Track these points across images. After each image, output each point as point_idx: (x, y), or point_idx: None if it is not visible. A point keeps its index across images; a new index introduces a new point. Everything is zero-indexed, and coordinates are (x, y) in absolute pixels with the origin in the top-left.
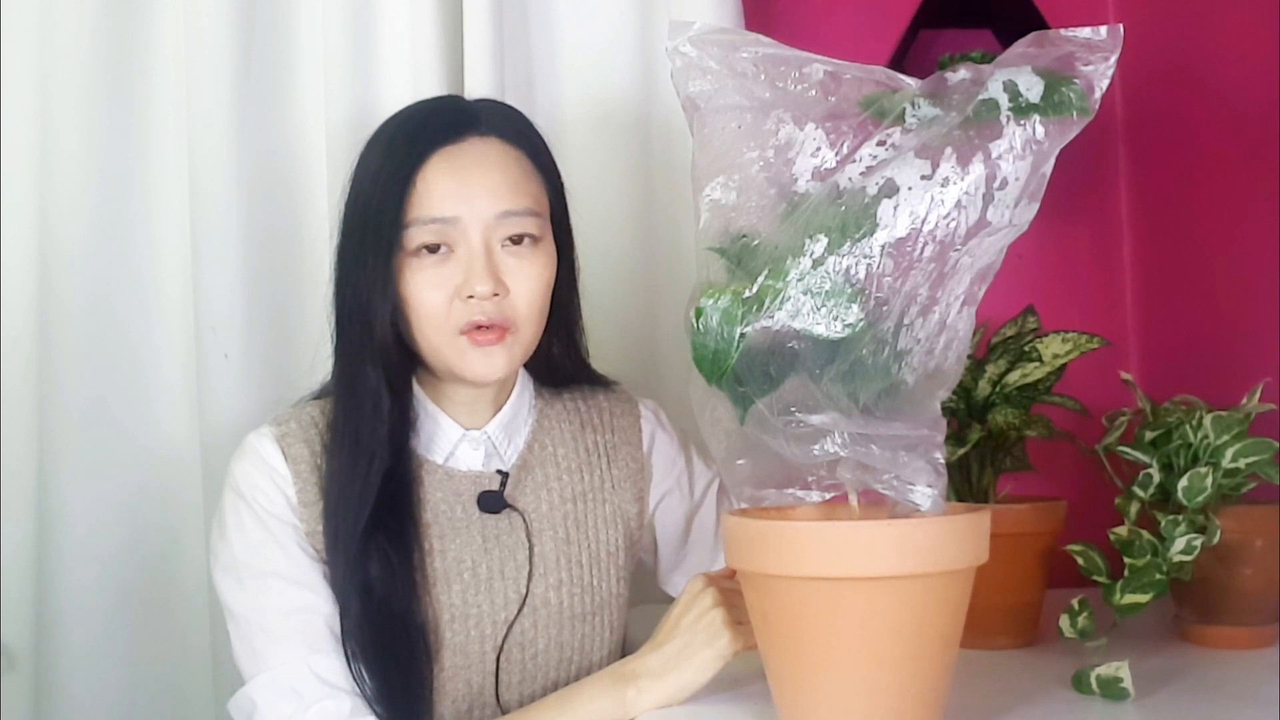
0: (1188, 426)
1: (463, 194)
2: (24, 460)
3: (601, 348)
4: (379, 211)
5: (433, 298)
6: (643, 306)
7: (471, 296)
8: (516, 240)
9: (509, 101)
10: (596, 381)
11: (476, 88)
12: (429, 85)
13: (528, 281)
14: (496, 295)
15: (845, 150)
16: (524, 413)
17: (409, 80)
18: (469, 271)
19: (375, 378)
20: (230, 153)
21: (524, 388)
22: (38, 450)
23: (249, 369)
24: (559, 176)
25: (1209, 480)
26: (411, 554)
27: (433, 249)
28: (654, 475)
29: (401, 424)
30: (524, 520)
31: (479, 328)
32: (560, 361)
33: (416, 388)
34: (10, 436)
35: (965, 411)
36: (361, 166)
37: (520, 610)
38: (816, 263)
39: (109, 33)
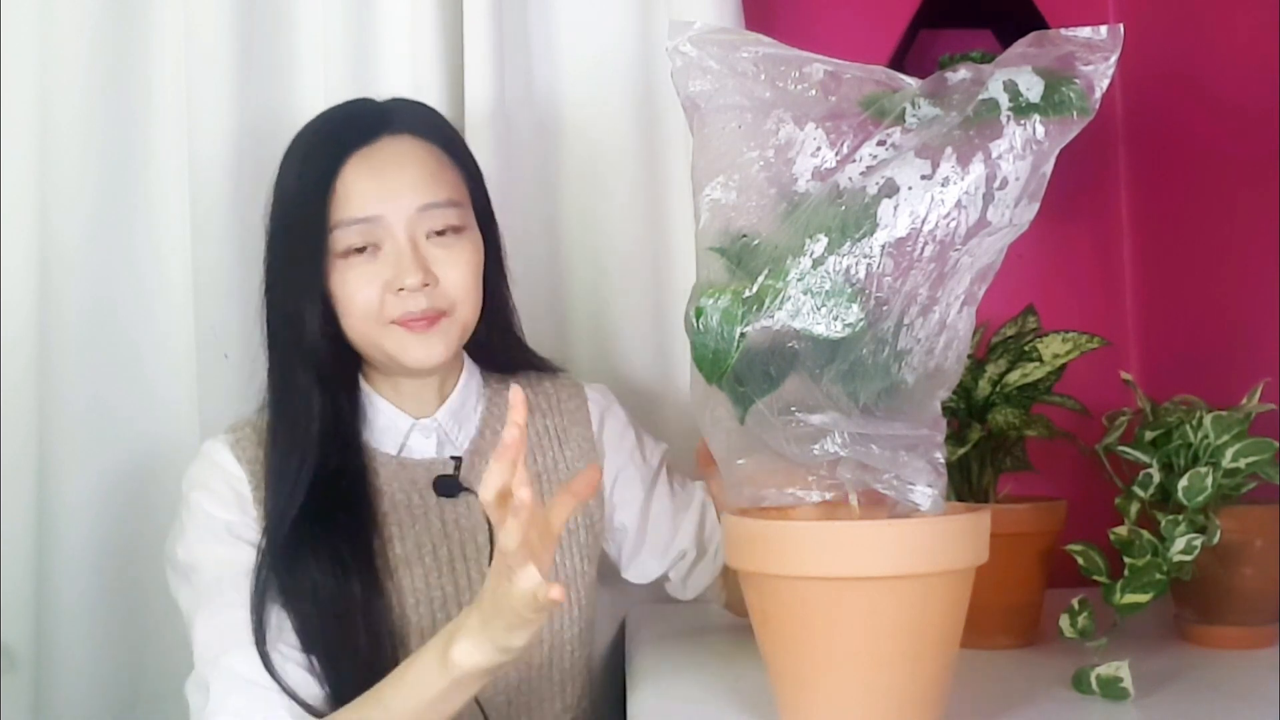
0: (1188, 426)
1: (382, 193)
2: (24, 460)
3: (602, 347)
4: (302, 218)
5: (365, 294)
6: (642, 306)
7: (402, 289)
8: (440, 231)
9: (508, 101)
10: (542, 367)
11: (476, 87)
12: (429, 85)
13: (456, 268)
14: (427, 285)
15: (845, 150)
16: (472, 400)
17: (409, 80)
18: (397, 266)
19: (306, 380)
20: (230, 152)
21: (471, 375)
22: (38, 450)
23: (249, 369)
24: (476, 166)
25: (1209, 480)
26: (370, 544)
27: (360, 249)
28: (607, 453)
29: (336, 422)
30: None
31: (410, 318)
32: (499, 346)
33: (364, 384)
34: (10, 436)
35: (965, 411)
36: (281, 175)
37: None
38: (816, 262)
39: (109, 32)
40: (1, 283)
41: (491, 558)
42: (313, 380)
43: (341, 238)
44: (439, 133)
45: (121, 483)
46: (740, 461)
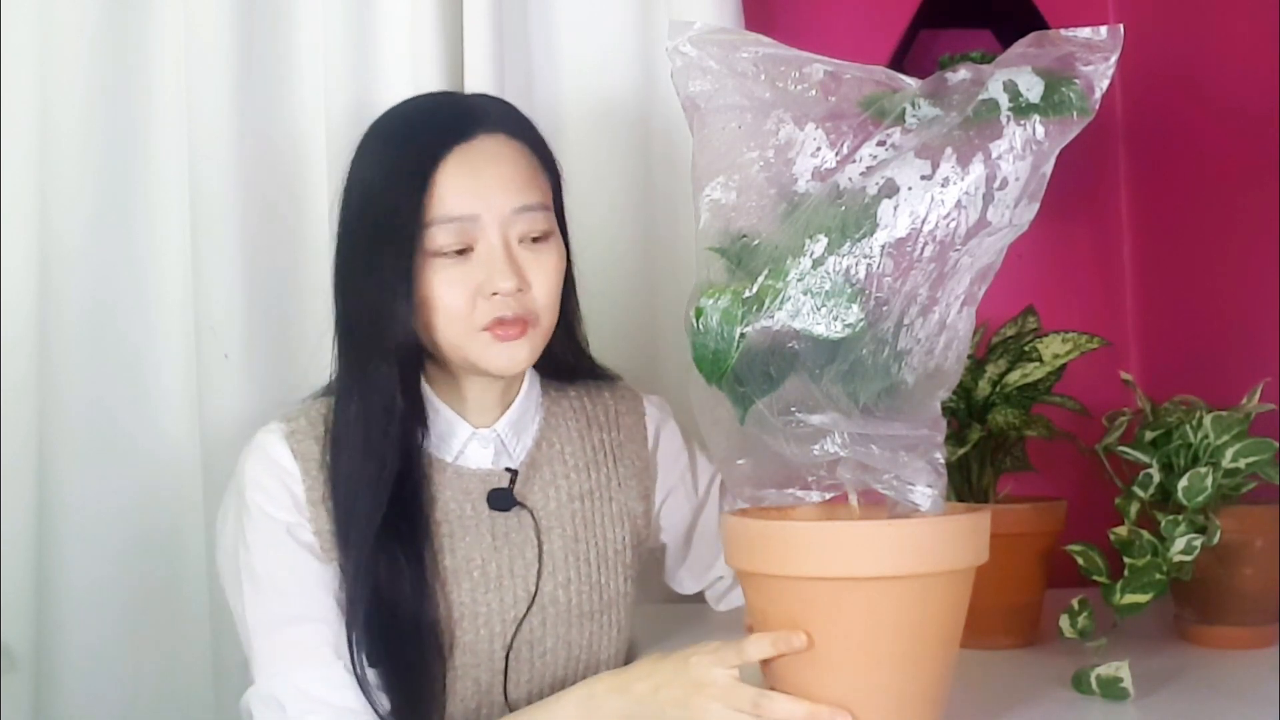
0: (1188, 426)
1: (480, 192)
2: (24, 460)
3: (601, 347)
4: (394, 213)
5: (455, 296)
6: (643, 306)
7: (496, 294)
8: (535, 238)
9: (509, 101)
10: (600, 375)
11: (476, 87)
12: (429, 85)
13: (545, 274)
14: (520, 291)
15: (845, 150)
16: (531, 410)
17: (409, 79)
18: (491, 269)
19: (389, 379)
20: (230, 152)
21: (532, 385)
22: (38, 450)
23: (249, 369)
24: (559, 170)
25: (1209, 480)
26: (422, 554)
27: (458, 250)
28: (659, 474)
29: (411, 424)
30: (533, 518)
31: (502, 323)
32: (562, 353)
33: (426, 387)
34: (10, 436)
35: (965, 411)
36: (366, 166)
37: (529, 608)
38: (816, 263)
39: (109, 32)
40: (1, 283)
41: (540, 575)
42: (395, 380)
43: (435, 236)
44: (530, 133)
45: (121, 482)
46: (740, 461)
